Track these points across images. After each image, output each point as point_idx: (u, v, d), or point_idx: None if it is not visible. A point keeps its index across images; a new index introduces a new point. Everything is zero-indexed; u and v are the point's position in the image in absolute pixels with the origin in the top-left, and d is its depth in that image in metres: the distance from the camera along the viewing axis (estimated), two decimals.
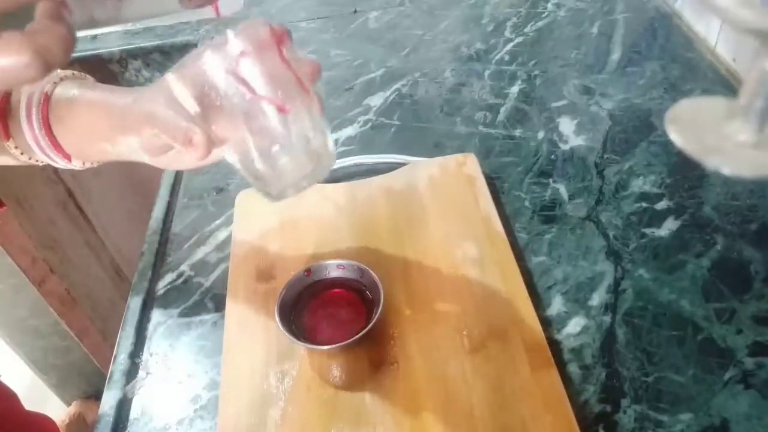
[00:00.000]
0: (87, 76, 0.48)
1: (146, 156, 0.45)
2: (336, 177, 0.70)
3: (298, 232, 0.62)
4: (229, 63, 0.39)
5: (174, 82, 0.40)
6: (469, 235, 0.59)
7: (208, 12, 1.05)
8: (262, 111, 0.40)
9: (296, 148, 0.41)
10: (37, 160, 0.48)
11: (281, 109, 0.40)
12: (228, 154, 0.42)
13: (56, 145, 0.46)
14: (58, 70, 0.46)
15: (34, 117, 0.44)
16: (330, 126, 0.45)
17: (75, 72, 0.47)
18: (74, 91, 0.45)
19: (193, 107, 0.40)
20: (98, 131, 0.44)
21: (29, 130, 0.45)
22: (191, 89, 0.39)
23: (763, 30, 0.24)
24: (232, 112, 0.39)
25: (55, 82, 0.45)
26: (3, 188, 1.04)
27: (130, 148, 0.44)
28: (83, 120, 0.44)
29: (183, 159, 0.46)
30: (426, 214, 0.62)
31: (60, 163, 0.48)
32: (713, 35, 0.81)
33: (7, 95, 0.45)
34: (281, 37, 0.40)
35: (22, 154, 0.47)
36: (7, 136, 0.45)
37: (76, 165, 0.48)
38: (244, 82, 0.39)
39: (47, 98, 0.44)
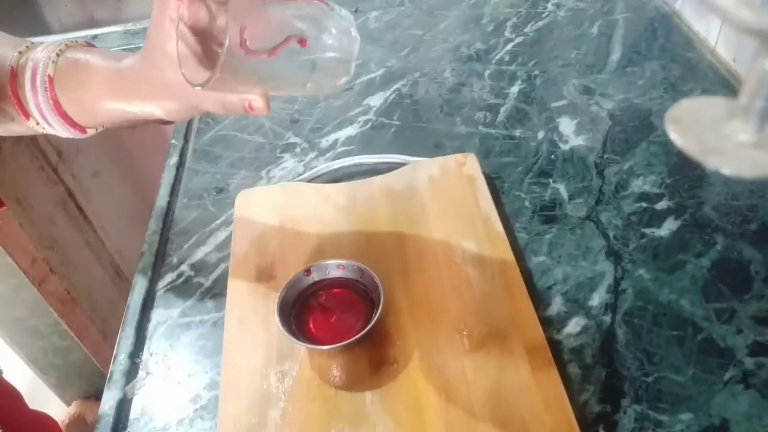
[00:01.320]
0: (76, 42, 0.48)
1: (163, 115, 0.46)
2: (336, 177, 0.70)
3: (298, 231, 0.62)
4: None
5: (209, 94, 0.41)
6: (469, 235, 0.59)
7: None
8: (286, 56, 0.40)
9: (328, 47, 0.42)
10: (49, 130, 0.48)
11: (302, 42, 0.41)
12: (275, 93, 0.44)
13: (71, 123, 0.46)
14: (54, 44, 0.47)
15: (41, 99, 0.45)
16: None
17: (69, 42, 0.47)
18: (79, 55, 0.46)
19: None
20: (104, 96, 0.45)
21: (37, 110, 0.45)
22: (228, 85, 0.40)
23: (763, 30, 0.24)
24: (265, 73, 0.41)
25: (53, 61, 0.45)
26: (3, 188, 1.04)
27: (144, 110, 0.45)
28: (89, 88, 0.45)
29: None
30: (426, 214, 0.62)
31: (72, 134, 0.48)
32: (713, 35, 0.81)
33: (15, 75, 0.45)
34: None
35: (37, 124, 0.47)
36: (27, 116, 0.46)
37: (90, 132, 0.49)
38: (256, 53, 0.40)
39: (51, 80, 0.45)
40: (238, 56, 0.38)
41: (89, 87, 0.45)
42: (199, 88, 0.39)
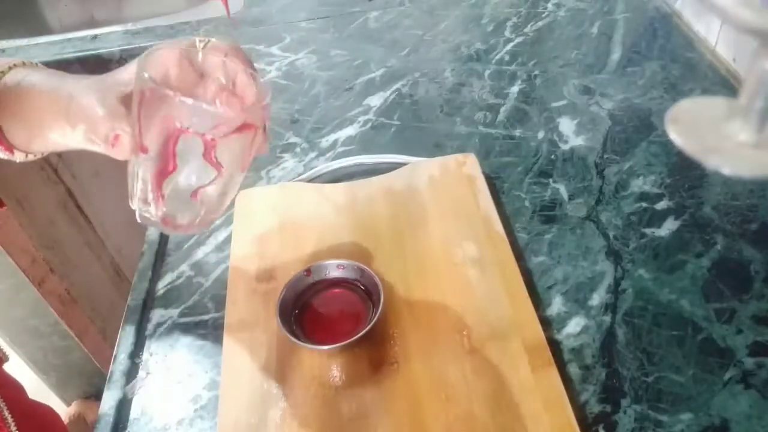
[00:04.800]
0: (39, 64, 0.47)
1: (100, 147, 0.43)
2: (336, 177, 0.70)
3: (298, 232, 0.62)
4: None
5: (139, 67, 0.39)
6: (469, 235, 0.59)
7: (208, 12, 1.05)
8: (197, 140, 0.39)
9: (208, 196, 0.42)
10: None
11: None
12: (138, 161, 0.41)
13: (7, 146, 0.45)
14: (8, 60, 0.45)
15: None
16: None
17: (26, 61, 0.46)
18: (21, 77, 0.44)
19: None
20: (45, 121, 0.43)
21: None
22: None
23: (763, 30, 0.24)
24: (172, 125, 0.39)
25: (2, 71, 0.44)
26: (3, 188, 1.04)
27: (78, 138, 0.43)
28: (30, 109, 0.43)
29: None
30: (426, 214, 0.62)
31: (9, 157, 0.47)
32: (713, 35, 0.81)
33: None
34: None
35: None
36: None
37: (18, 157, 0.47)
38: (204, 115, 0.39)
39: None
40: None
41: (32, 110, 0.43)
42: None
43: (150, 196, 0.41)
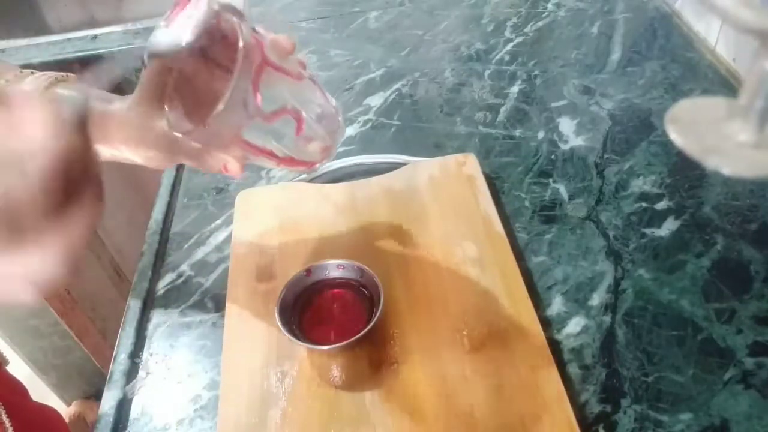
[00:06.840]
0: (66, 76, 0.47)
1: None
2: (336, 177, 0.70)
3: (298, 232, 0.62)
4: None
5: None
6: (469, 235, 0.59)
7: None
8: (283, 123, 0.41)
9: (315, 131, 0.44)
10: None
11: (298, 123, 0.42)
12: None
13: None
14: (50, 73, 0.46)
15: None
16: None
17: (58, 76, 0.46)
18: (65, 93, 0.44)
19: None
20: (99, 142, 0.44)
21: None
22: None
23: (763, 30, 0.24)
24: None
25: (46, 87, 0.44)
26: None
27: (124, 155, 0.45)
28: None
29: None
30: (426, 214, 0.62)
31: None
32: (713, 35, 0.81)
33: None
34: (261, 45, 0.41)
35: None
36: None
37: None
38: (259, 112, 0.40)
39: None
40: (233, 115, 0.39)
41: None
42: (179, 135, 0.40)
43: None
